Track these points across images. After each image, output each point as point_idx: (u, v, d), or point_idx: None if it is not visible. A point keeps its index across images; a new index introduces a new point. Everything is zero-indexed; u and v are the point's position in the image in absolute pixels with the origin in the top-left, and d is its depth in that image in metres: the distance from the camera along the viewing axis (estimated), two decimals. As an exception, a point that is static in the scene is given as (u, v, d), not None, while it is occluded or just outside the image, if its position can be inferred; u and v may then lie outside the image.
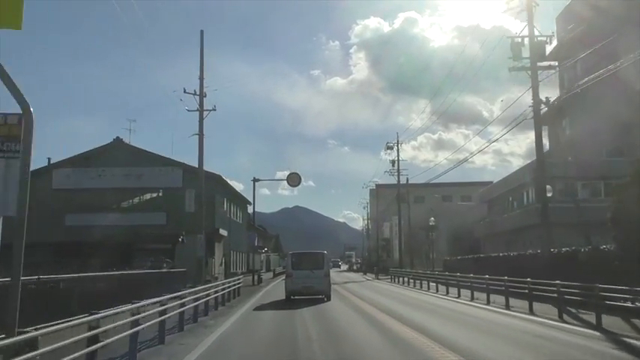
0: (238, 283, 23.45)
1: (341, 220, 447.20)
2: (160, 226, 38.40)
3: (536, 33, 21.17)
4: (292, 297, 21.33)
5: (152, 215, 39.01)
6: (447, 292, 25.02)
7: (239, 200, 52.39)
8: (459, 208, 70.13)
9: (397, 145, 51.54)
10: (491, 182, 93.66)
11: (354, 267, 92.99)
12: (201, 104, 28.29)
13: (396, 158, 51.44)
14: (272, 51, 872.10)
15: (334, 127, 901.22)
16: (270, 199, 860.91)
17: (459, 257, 36.46)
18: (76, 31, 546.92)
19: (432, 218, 45.07)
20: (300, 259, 22.60)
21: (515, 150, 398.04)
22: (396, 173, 51.49)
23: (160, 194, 40.79)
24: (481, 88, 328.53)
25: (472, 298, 21.30)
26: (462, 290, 23.65)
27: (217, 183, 42.00)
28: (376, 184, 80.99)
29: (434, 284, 28.98)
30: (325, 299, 21.19)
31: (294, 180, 38.44)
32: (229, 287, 22.02)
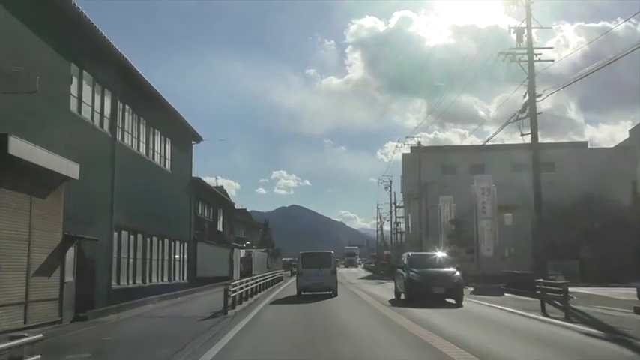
0: None
1: (338, 219, 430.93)
2: None
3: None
4: (303, 292, 21.99)
5: None
6: None
7: (164, 113, 23.64)
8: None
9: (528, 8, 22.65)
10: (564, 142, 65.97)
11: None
12: None
13: (527, 20, 22.64)
14: (267, 50, 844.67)
15: (330, 127, 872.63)
16: (267, 198, 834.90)
17: None
18: None
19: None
20: (309, 258, 23.29)
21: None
22: (524, 53, 22.64)
23: None
24: (477, 87, 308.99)
25: None
26: None
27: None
28: (412, 147, 52.49)
29: None
30: (332, 294, 21.82)
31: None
32: None
